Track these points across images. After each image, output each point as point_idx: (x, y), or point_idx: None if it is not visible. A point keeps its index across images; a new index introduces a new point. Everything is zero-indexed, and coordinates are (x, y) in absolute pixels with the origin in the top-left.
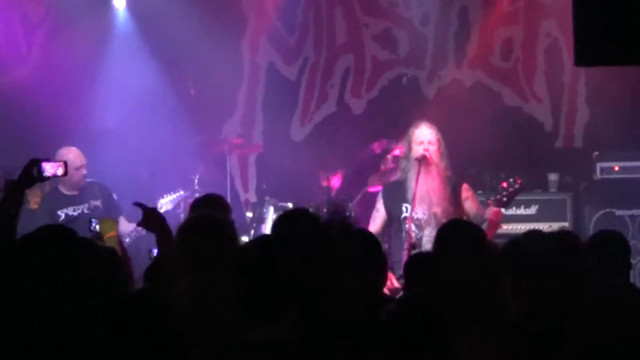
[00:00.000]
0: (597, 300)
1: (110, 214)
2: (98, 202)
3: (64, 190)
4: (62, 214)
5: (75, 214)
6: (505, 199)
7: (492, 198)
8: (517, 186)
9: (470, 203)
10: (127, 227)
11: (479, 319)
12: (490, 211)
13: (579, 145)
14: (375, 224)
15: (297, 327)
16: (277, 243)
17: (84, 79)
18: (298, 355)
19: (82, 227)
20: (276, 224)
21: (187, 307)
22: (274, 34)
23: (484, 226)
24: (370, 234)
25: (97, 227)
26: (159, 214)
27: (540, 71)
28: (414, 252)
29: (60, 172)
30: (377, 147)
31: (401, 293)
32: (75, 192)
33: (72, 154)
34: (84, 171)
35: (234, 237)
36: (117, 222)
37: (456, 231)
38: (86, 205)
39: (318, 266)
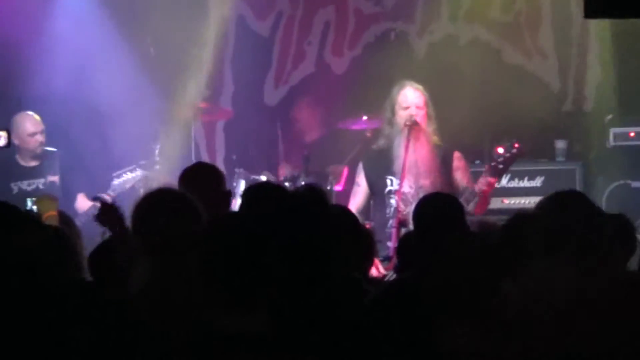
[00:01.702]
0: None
1: (66, 190)
2: (55, 178)
3: (20, 160)
4: (15, 187)
5: (29, 189)
6: (501, 165)
7: (488, 165)
8: (514, 151)
9: (460, 174)
10: (84, 204)
11: (467, 309)
12: (483, 181)
13: (590, 108)
14: (356, 199)
15: (273, 316)
16: (244, 221)
17: (29, 38)
18: (273, 348)
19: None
20: (243, 200)
21: (147, 296)
22: None
23: (476, 201)
24: (347, 210)
25: (34, 206)
26: (117, 211)
27: (545, 24)
28: (403, 230)
29: (3, 142)
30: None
31: (390, 274)
32: (34, 164)
33: (26, 119)
34: (40, 138)
35: (199, 215)
36: (55, 202)
37: (432, 209)
38: (42, 180)
39: (290, 248)
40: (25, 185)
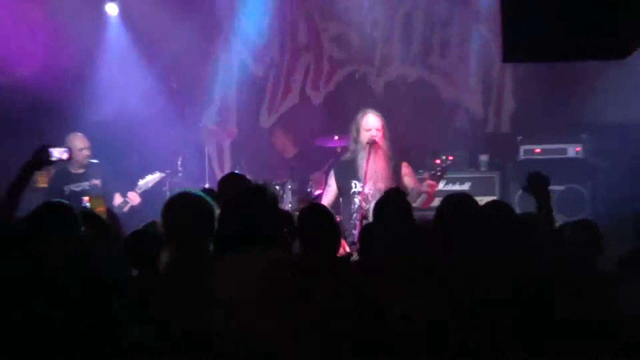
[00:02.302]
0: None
1: (106, 191)
2: (98, 181)
3: (71, 169)
4: (67, 189)
5: (78, 189)
6: (439, 173)
7: (428, 173)
8: (448, 162)
9: (408, 179)
10: (119, 200)
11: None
12: (427, 184)
13: (506, 130)
14: (328, 197)
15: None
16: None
17: (83, 77)
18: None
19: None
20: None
21: (169, 272)
22: (245, 37)
23: (422, 198)
24: (324, 207)
25: (88, 204)
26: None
27: (472, 67)
28: (365, 222)
29: (65, 156)
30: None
31: (354, 258)
32: (81, 171)
33: (77, 138)
34: (87, 152)
35: (210, 211)
36: (104, 198)
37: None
38: (87, 183)
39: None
40: (74, 187)
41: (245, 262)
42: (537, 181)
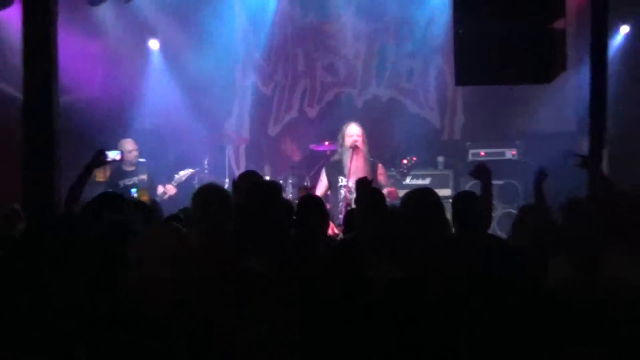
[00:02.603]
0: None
1: (150, 184)
2: (144, 177)
3: (124, 167)
4: (121, 183)
5: (129, 183)
6: (405, 171)
7: (397, 170)
8: (413, 162)
9: (382, 177)
10: (160, 191)
11: (388, 249)
12: (387, 191)
13: (457, 137)
14: (320, 189)
15: (275, 260)
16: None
17: (133, 94)
18: (275, 279)
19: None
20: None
21: (200, 246)
22: (257, 64)
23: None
24: (317, 196)
25: (135, 194)
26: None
27: (432, 89)
28: (349, 208)
29: (117, 157)
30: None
31: (340, 236)
32: (131, 169)
33: (127, 143)
34: (135, 153)
35: (229, 197)
36: (147, 190)
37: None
38: (136, 178)
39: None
40: (127, 181)
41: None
42: (481, 167)
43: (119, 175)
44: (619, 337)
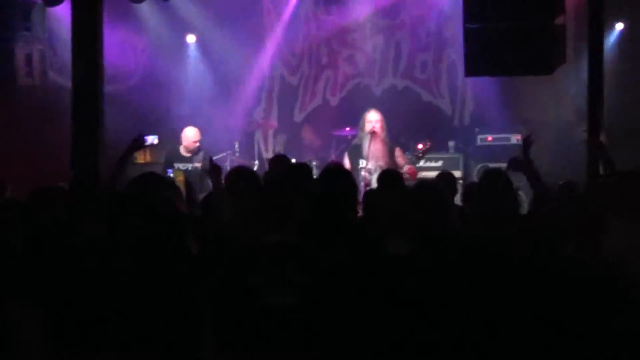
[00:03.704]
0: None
1: (201, 173)
2: (199, 165)
3: (182, 151)
4: (176, 165)
5: (184, 168)
6: (420, 154)
7: (413, 154)
8: (428, 146)
9: (400, 159)
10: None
11: (401, 229)
12: (407, 168)
13: (467, 124)
14: None
15: (296, 231)
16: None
17: (171, 84)
18: (298, 250)
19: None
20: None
21: (230, 221)
22: (284, 56)
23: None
24: (347, 171)
25: (172, 174)
26: (219, 168)
27: (444, 79)
28: (367, 189)
29: (155, 141)
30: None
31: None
32: (189, 155)
33: (191, 131)
34: (198, 144)
35: (257, 177)
36: (183, 172)
37: (386, 176)
38: (191, 164)
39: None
40: (181, 165)
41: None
42: (517, 162)
43: (175, 157)
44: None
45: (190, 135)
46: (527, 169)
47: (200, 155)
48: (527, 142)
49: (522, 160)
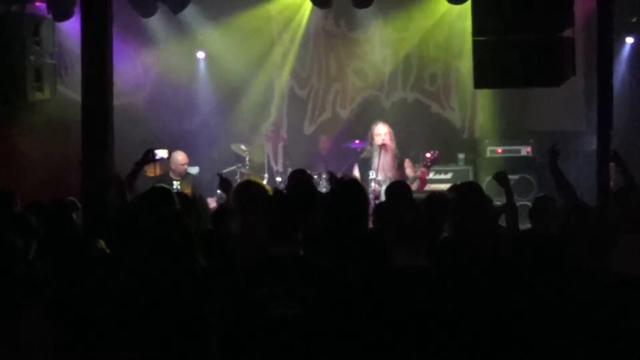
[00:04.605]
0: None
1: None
2: (188, 190)
3: (172, 175)
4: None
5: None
6: (429, 164)
7: (420, 164)
8: (435, 156)
9: (409, 170)
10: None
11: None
12: (420, 171)
13: (477, 136)
14: None
15: (301, 244)
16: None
17: (178, 99)
18: (302, 262)
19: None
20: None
21: (239, 235)
22: (294, 70)
23: (417, 184)
24: (359, 183)
25: (178, 187)
26: (229, 181)
27: (453, 92)
28: (377, 201)
29: (165, 155)
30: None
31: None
32: (178, 179)
33: (179, 154)
34: (186, 167)
35: (265, 191)
36: (190, 184)
37: (394, 188)
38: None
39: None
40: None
41: None
42: (501, 175)
43: (165, 181)
44: None
45: (177, 158)
46: (555, 175)
47: (189, 178)
48: (553, 152)
49: (506, 175)
